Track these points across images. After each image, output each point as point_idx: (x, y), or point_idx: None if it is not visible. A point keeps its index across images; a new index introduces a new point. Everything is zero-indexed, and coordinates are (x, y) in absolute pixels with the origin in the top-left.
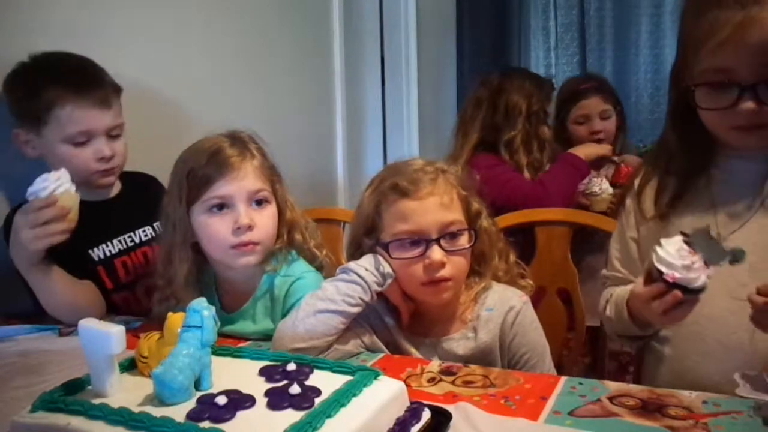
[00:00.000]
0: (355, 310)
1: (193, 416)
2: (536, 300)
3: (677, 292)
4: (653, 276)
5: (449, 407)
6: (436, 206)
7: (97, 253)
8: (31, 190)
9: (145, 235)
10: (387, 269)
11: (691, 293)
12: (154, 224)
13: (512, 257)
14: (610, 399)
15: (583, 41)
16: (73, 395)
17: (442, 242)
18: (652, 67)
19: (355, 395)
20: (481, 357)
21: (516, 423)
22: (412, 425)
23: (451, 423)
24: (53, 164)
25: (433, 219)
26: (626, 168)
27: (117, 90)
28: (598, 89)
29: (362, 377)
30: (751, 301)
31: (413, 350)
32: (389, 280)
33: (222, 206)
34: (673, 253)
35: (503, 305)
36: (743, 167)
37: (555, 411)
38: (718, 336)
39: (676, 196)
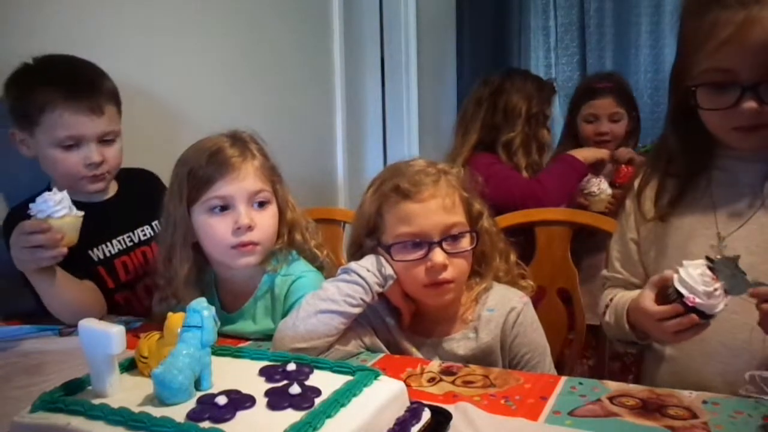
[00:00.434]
0: (356, 310)
1: (193, 416)
2: (536, 300)
3: (694, 317)
4: (670, 296)
5: (449, 407)
6: (438, 208)
7: (96, 253)
8: (33, 206)
9: (144, 235)
10: (388, 271)
11: (705, 317)
12: (153, 223)
13: (513, 257)
14: (610, 399)
15: (583, 41)
16: (73, 395)
17: (444, 244)
18: (652, 67)
19: (355, 395)
20: (482, 357)
21: (516, 423)
22: (412, 425)
23: (451, 423)
24: (45, 166)
25: (435, 221)
26: (626, 168)
27: (113, 96)
28: (612, 91)
29: (362, 377)
30: (759, 309)
31: (414, 350)
32: (390, 282)
33: (223, 207)
34: (695, 277)
35: (504, 306)
36: (743, 167)
37: (555, 411)
38: (721, 337)
39: (676, 197)
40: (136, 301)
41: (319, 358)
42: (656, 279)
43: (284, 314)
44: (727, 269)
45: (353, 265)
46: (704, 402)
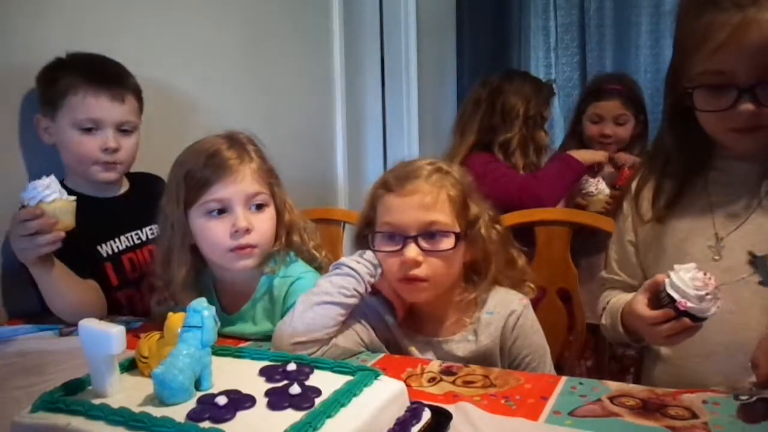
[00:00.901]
0: (352, 301)
1: (194, 416)
2: (536, 300)
3: (687, 320)
4: (662, 300)
5: (449, 407)
6: (417, 204)
7: (105, 249)
8: (23, 195)
9: (152, 233)
10: (375, 260)
11: (697, 321)
12: None
13: (521, 263)
14: (611, 399)
15: (583, 41)
16: (73, 395)
17: (421, 241)
18: (652, 67)
19: (355, 395)
20: (482, 360)
21: (516, 423)
22: (413, 425)
23: (451, 423)
24: (63, 151)
25: (412, 216)
26: (629, 171)
27: (136, 92)
28: (620, 93)
29: (362, 377)
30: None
31: (413, 349)
32: (379, 271)
33: (220, 210)
34: (687, 281)
35: (504, 309)
36: (740, 168)
37: (555, 411)
38: (720, 337)
39: (673, 198)
40: (139, 300)
41: (319, 358)
42: (649, 283)
43: (283, 316)
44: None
45: (343, 259)
46: (704, 402)
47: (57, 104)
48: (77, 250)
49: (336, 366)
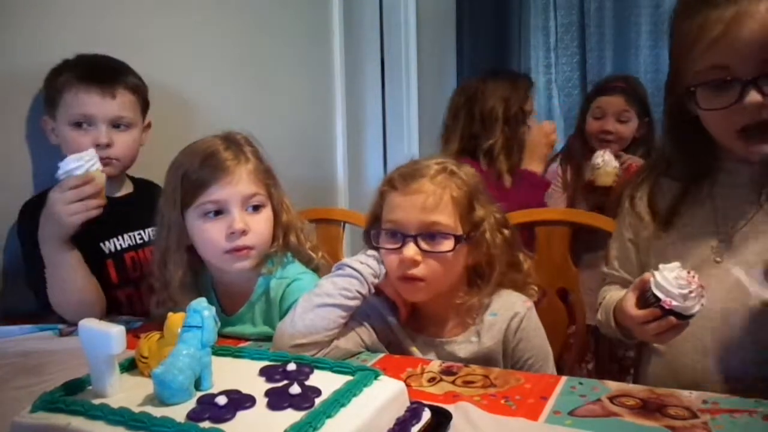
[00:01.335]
0: (354, 303)
1: (194, 416)
2: (536, 300)
3: (672, 319)
4: (648, 299)
5: (449, 407)
6: (419, 204)
7: (108, 246)
8: (64, 168)
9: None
10: (380, 259)
11: (683, 318)
12: None
13: (526, 267)
14: (611, 399)
15: (583, 41)
16: (73, 395)
17: (420, 241)
18: (652, 67)
19: (355, 395)
20: (484, 362)
21: (516, 423)
22: (413, 425)
23: (451, 423)
24: (64, 149)
25: (412, 216)
26: (634, 165)
27: (133, 88)
28: (623, 90)
29: (362, 377)
30: None
31: (415, 350)
32: (383, 271)
33: (216, 211)
34: (671, 281)
35: (507, 311)
36: (745, 170)
37: (555, 411)
38: (717, 335)
39: (676, 200)
40: (138, 300)
41: (320, 359)
42: (638, 281)
43: (281, 317)
44: None
45: (346, 260)
46: (704, 402)
47: (56, 103)
48: (80, 245)
49: (336, 366)
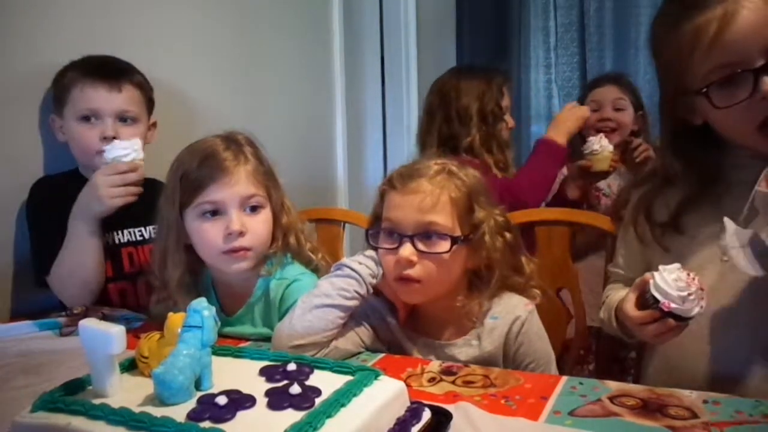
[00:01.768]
0: (352, 303)
1: (194, 416)
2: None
3: (671, 321)
4: (647, 300)
5: (449, 407)
6: (416, 204)
7: (106, 238)
8: (112, 154)
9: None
10: (377, 259)
11: (682, 320)
12: None
13: (528, 269)
14: (611, 399)
15: (583, 41)
16: (73, 395)
17: (417, 241)
18: (652, 68)
19: (355, 395)
20: (484, 365)
21: (516, 423)
22: (413, 425)
23: (452, 423)
24: (72, 146)
25: (409, 216)
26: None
27: (138, 85)
28: (616, 80)
29: (362, 377)
30: None
31: (415, 352)
32: (380, 271)
33: (214, 212)
34: (670, 283)
35: (509, 314)
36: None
37: (555, 411)
38: (718, 334)
39: (682, 204)
40: (132, 295)
41: (319, 358)
42: (638, 282)
43: (281, 318)
44: None
45: (345, 260)
46: (705, 402)
47: (64, 101)
48: None
49: (336, 366)
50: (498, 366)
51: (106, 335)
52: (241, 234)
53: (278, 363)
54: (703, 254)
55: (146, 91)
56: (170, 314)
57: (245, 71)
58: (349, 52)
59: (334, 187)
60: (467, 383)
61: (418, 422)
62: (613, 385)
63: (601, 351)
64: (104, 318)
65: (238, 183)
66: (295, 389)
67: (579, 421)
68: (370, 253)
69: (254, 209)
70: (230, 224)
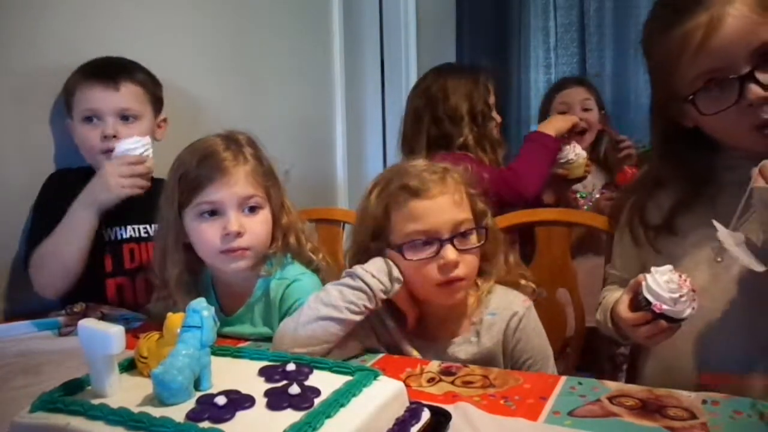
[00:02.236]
0: (358, 318)
1: (193, 416)
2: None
3: (663, 323)
4: (640, 302)
5: (449, 407)
6: (447, 205)
7: (108, 233)
8: (123, 147)
9: None
10: (396, 273)
11: (675, 322)
12: None
13: (512, 259)
14: (610, 399)
15: (583, 41)
16: (72, 395)
17: (455, 241)
18: None
19: (354, 395)
20: (484, 363)
21: (516, 423)
22: (412, 425)
23: (451, 423)
24: (80, 147)
25: (445, 218)
26: (630, 170)
27: (140, 82)
28: (580, 81)
29: (362, 377)
30: None
31: (415, 353)
32: (397, 286)
33: (212, 212)
34: (662, 284)
35: (506, 310)
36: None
37: (554, 411)
38: (714, 334)
39: (675, 208)
40: (129, 291)
41: (319, 359)
42: (632, 283)
43: (281, 318)
44: None
45: (359, 269)
46: (704, 402)
47: (71, 104)
48: None
49: (335, 366)
50: (498, 362)
51: (105, 335)
52: (239, 234)
53: (277, 363)
54: (696, 255)
55: (149, 88)
56: (169, 314)
57: (245, 71)
58: (349, 52)
59: (334, 187)
60: (466, 383)
61: (417, 422)
62: (613, 386)
63: (590, 347)
64: (103, 318)
65: (236, 183)
66: (295, 389)
67: (578, 422)
68: (383, 267)
69: (253, 210)
70: (228, 225)
